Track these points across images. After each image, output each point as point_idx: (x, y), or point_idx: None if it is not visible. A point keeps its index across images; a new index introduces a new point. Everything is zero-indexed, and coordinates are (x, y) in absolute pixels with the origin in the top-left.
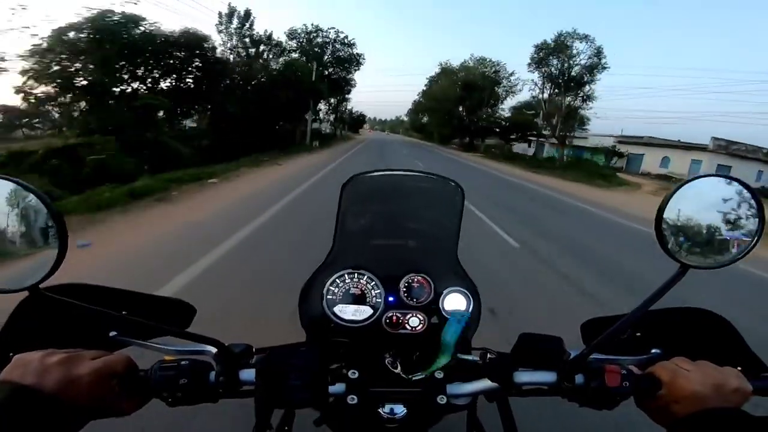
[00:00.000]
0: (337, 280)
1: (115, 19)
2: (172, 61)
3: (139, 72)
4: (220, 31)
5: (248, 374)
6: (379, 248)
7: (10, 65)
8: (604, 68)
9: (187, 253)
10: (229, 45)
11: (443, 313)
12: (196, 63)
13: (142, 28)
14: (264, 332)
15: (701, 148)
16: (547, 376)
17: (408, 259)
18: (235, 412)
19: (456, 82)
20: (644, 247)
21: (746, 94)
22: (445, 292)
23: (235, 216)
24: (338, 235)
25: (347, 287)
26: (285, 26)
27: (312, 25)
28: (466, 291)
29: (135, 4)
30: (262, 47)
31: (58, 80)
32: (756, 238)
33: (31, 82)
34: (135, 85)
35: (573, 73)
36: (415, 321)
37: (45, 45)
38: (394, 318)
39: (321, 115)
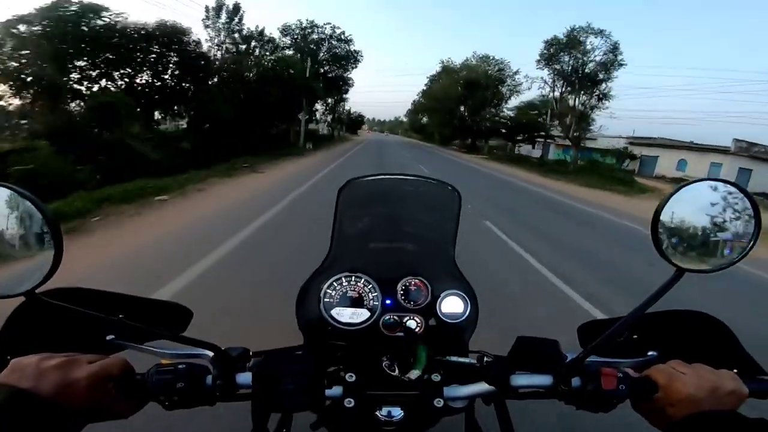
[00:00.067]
0: (334, 283)
1: (73, 9)
2: (143, 56)
3: (104, 68)
4: (206, 26)
5: (245, 378)
6: (376, 252)
7: None
8: (621, 65)
9: None
10: (216, 41)
11: (440, 315)
12: (174, 58)
13: (104, 20)
14: None
15: (721, 151)
16: (544, 379)
17: (405, 263)
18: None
19: (458, 80)
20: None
21: (764, 95)
22: (442, 295)
23: (165, 260)
24: (335, 238)
25: (344, 290)
26: (282, 24)
27: (307, 20)
28: (463, 294)
29: None
30: (253, 43)
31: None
32: (752, 242)
33: None
34: (104, 83)
35: (587, 70)
36: (412, 324)
37: None
38: (392, 321)
39: (318, 115)
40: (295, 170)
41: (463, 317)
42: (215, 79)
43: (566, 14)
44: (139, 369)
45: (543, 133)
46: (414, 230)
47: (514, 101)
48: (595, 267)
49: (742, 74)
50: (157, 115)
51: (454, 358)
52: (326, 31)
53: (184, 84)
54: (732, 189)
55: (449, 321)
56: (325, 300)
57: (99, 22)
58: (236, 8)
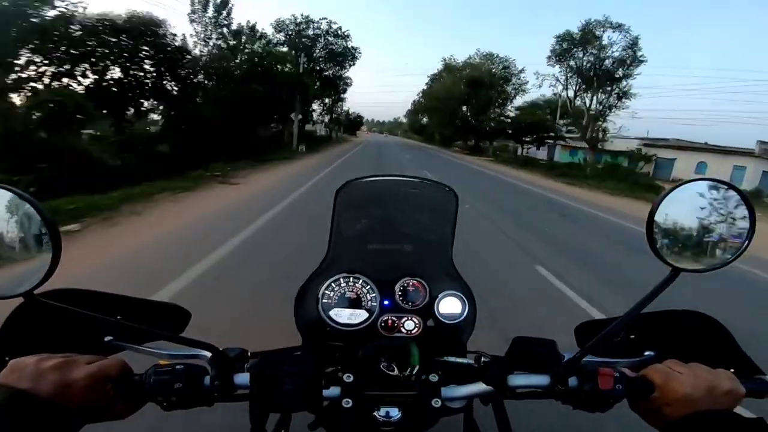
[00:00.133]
0: (332, 284)
1: None
2: (110, 50)
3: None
4: (192, 21)
5: (243, 378)
6: (374, 253)
7: None
8: (641, 61)
9: None
10: (203, 36)
11: (438, 316)
12: (148, 52)
13: (58, 10)
14: None
15: (745, 153)
16: (541, 379)
17: (403, 264)
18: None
19: (461, 79)
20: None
21: None
22: (440, 295)
23: None
24: (333, 240)
25: (342, 291)
26: (275, 19)
27: (302, 15)
28: (461, 295)
29: None
30: (244, 39)
31: None
32: (747, 242)
33: None
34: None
35: (605, 67)
36: (410, 324)
37: None
38: (390, 321)
39: (315, 116)
40: (277, 180)
41: (461, 318)
42: (200, 76)
43: (569, 12)
44: (137, 370)
45: (552, 134)
46: (412, 231)
47: (518, 101)
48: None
49: (763, 74)
50: (131, 115)
51: (451, 359)
52: (322, 27)
53: (161, 81)
54: (727, 189)
55: (447, 322)
56: (324, 301)
57: (51, 12)
58: (224, 1)
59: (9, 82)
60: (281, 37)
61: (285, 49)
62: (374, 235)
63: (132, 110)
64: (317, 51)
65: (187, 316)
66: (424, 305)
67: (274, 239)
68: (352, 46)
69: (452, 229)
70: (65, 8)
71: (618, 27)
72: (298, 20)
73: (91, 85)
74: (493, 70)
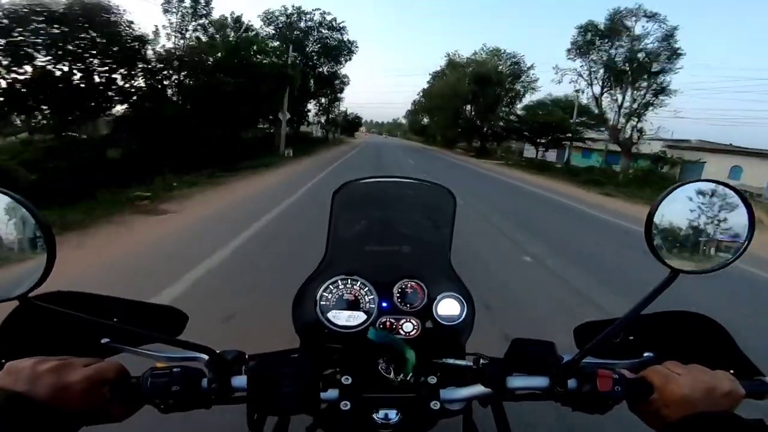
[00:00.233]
0: (330, 286)
1: None
2: (42, 40)
3: None
4: (166, 11)
5: (240, 381)
6: (372, 254)
7: None
8: (679, 54)
9: None
10: (177, 27)
11: (437, 318)
12: (90, 43)
13: None
14: None
15: None
16: (540, 381)
17: (401, 265)
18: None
19: (466, 76)
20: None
21: None
22: (438, 297)
23: None
24: (331, 241)
25: (341, 293)
26: (263, 11)
27: (293, 7)
28: (459, 296)
29: None
30: (230, 32)
31: None
32: (746, 243)
33: None
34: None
35: (639, 59)
36: (408, 326)
37: None
38: (388, 323)
39: (310, 117)
40: (231, 203)
41: (460, 319)
42: (169, 71)
43: (582, 3)
44: (134, 372)
45: (569, 135)
46: (410, 233)
47: (526, 100)
48: None
49: None
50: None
51: (450, 361)
52: (315, 18)
53: (112, 75)
54: (725, 189)
55: (446, 323)
56: (322, 303)
57: None
58: None
59: None
60: (271, 30)
61: (276, 43)
62: (372, 236)
63: (77, 111)
64: (310, 45)
65: (184, 318)
66: (422, 307)
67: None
68: (348, 40)
69: (450, 231)
70: None
71: (652, 16)
72: (289, 11)
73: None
74: (500, 68)
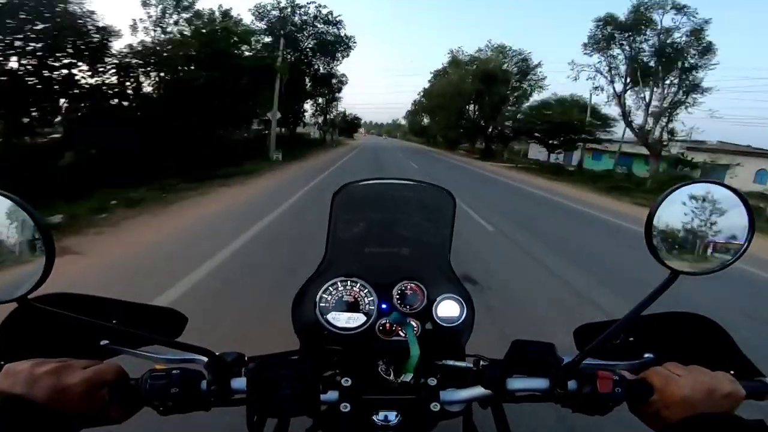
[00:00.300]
0: (330, 288)
1: None
2: None
3: None
4: (145, 3)
5: (240, 383)
6: (371, 256)
7: None
8: (709, 50)
9: None
10: (156, 20)
11: (437, 319)
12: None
13: None
14: None
15: None
16: (540, 383)
17: (401, 267)
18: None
19: (470, 73)
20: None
21: None
22: (438, 299)
23: None
24: (330, 243)
25: (340, 295)
26: (254, 5)
27: (287, 0)
28: (459, 298)
29: None
30: (218, 26)
31: None
32: (746, 244)
33: None
34: None
35: (668, 54)
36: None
37: None
38: (388, 325)
39: (307, 117)
40: (178, 231)
41: (459, 321)
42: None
43: (576, 7)
44: (133, 374)
45: (584, 136)
46: (409, 234)
47: (534, 98)
48: None
49: None
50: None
51: (450, 362)
52: (310, 12)
53: (71, 71)
54: (725, 191)
55: (445, 325)
56: (321, 305)
57: None
58: None
59: None
60: (263, 25)
61: (268, 39)
62: (372, 238)
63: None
64: (305, 41)
65: (183, 320)
66: (422, 308)
67: None
68: (345, 35)
69: (450, 232)
70: None
71: (681, 9)
72: (282, 4)
73: None
74: (505, 66)
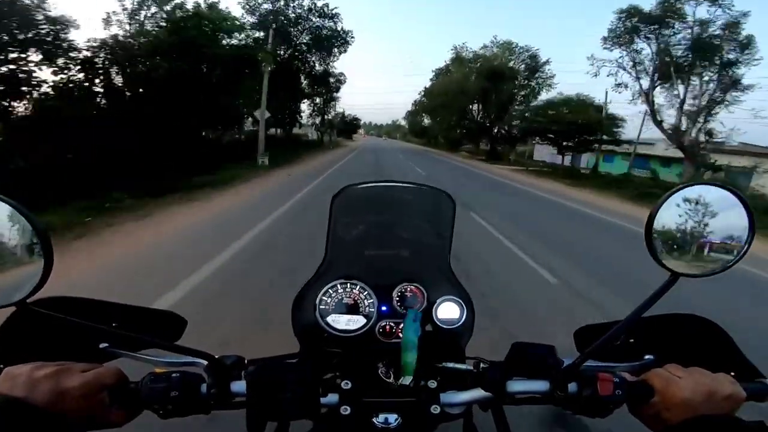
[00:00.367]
0: (329, 290)
1: None
2: None
3: None
4: None
5: (240, 386)
6: (371, 258)
7: None
8: (749, 44)
9: None
10: (131, 13)
11: (437, 322)
12: None
13: None
14: None
15: None
16: (540, 385)
17: (401, 269)
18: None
19: (474, 71)
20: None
21: None
22: (438, 301)
23: None
24: (330, 245)
25: (340, 297)
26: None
27: None
28: (459, 300)
29: None
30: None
31: None
32: (746, 246)
33: None
34: None
35: (704, 47)
36: None
37: None
38: (388, 327)
39: (304, 118)
40: (91, 279)
41: (459, 323)
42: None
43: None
44: (133, 378)
45: (601, 138)
46: (409, 236)
47: (542, 97)
48: None
49: None
50: None
51: (450, 365)
52: (304, 4)
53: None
54: (725, 192)
55: (445, 327)
56: (321, 307)
57: None
58: None
59: None
60: (254, 19)
61: (260, 34)
62: (371, 240)
63: None
64: (300, 36)
65: (183, 323)
66: (422, 311)
67: None
68: (342, 29)
69: (450, 234)
70: None
71: (716, 0)
72: None
73: None
74: (512, 63)
